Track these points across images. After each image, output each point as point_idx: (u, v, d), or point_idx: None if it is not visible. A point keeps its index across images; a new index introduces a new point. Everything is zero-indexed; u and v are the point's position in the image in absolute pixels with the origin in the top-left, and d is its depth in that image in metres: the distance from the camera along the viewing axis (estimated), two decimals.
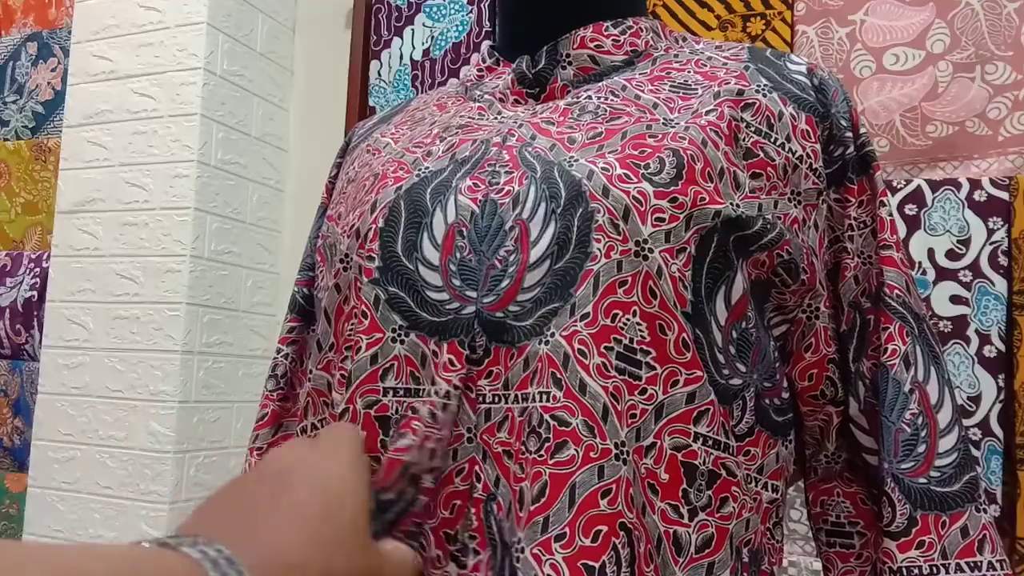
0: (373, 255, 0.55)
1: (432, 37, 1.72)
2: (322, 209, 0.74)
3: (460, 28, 1.70)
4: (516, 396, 0.50)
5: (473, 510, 0.49)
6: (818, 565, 1.34)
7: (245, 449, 1.71)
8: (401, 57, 1.75)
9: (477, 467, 0.50)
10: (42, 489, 1.65)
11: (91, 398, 1.63)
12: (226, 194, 1.69)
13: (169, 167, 1.63)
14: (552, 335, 0.49)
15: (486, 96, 0.64)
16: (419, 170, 0.58)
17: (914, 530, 0.55)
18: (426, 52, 1.73)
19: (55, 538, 1.62)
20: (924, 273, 1.28)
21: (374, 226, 0.56)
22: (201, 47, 1.63)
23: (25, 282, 1.90)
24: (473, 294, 0.51)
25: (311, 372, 0.62)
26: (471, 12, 1.69)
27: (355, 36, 1.79)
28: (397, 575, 0.41)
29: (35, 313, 1.86)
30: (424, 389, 0.52)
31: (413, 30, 1.74)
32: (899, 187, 1.31)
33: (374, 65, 1.77)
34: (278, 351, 0.71)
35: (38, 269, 1.89)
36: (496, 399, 0.50)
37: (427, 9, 1.73)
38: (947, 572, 0.54)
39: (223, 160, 1.68)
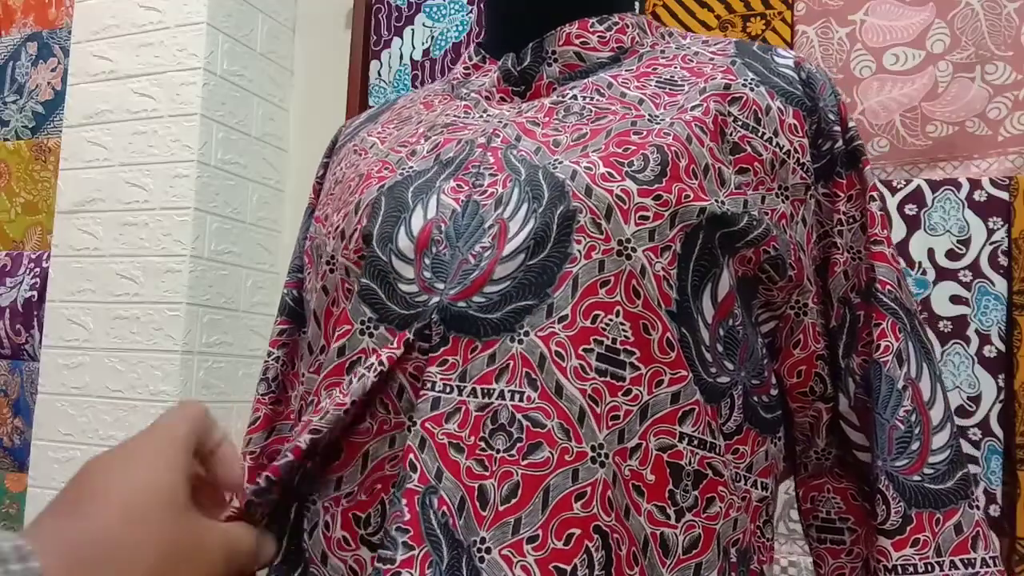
0: (356, 253, 0.55)
1: (432, 37, 1.72)
2: (310, 210, 0.73)
3: (460, 28, 1.70)
4: (474, 390, 0.48)
5: (404, 501, 0.47)
6: None
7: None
8: (401, 57, 1.75)
9: (412, 455, 0.48)
10: (42, 489, 1.65)
11: (91, 398, 1.63)
12: (226, 194, 1.69)
13: (169, 167, 1.63)
14: (526, 334, 0.48)
15: (472, 94, 0.63)
16: (403, 169, 0.58)
17: (909, 528, 0.55)
18: (426, 52, 1.73)
19: None
20: (924, 273, 1.28)
21: (358, 226, 0.55)
22: (201, 47, 1.63)
23: (25, 282, 1.90)
24: (441, 286, 0.50)
25: (303, 375, 0.62)
26: (471, 12, 1.69)
27: (355, 36, 1.79)
28: (229, 549, 0.44)
29: (35, 313, 1.86)
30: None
31: (413, 30, 1.74)
32: (899, 187, 1.31)
33: (374, 65, 1.77)
34: (269, 354, 0.71)
35: (38, 269, 1.89)
36: (448, 389, 0.48)
37: (427, 9, 1.73)
38: (942, 569, 0.54)
39: (223, 160, 1.68)
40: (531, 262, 0.50)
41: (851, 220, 0.60)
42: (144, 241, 1.63)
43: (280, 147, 1.86)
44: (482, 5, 0.68)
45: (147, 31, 1.68)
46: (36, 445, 1.68)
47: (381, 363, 0.49)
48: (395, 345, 0.50)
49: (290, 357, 0.71)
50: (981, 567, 0.55)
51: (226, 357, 1.68)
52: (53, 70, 2.00)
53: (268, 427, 0.70)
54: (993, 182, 1.26)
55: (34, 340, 1.86)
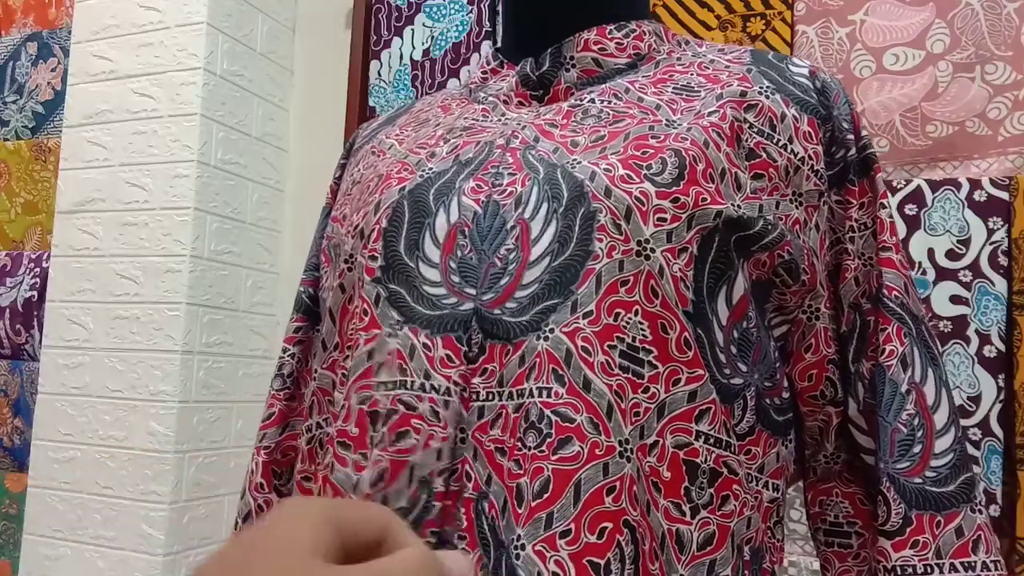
0: (376, 255, 0.55)
1: (432, 37, 1.72)
2: (326, 210, 0.74)
3: (460, 28, 1.70)
4: (511, 392, 0.49)
5: (463, 510, 0.48)
6: (818, 565, 1.34)
7: (246, 449, 1.71)
8: (401, 57, 1.75)
9: (467, 466, 0.49)
10: (42, 489, 1.65)
11: (91, 398, 1.63)
12: (226, 194, 1.69)
13: (169, 167, 1.63)
14: (551, 331, 0.49)
15: (490, 98, 0.64)
16: (423, 171, 0.58)
17: (908, 529, 0.55)
18: (426, 52, 1.73)
19: (55, 538, 1.62)
20: (924, 273, 1.28)
21: (377, 226, 0.56)
22: (201, 47, 1.63)
23: (25, 282, 1.90)
24: (472, 291, 0.51)
25: (316, 371, 0.62)
26: (471, 12, 1.69)
27: (355, 36, 1.79)
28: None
29: (35, 313, 1.86)
30: (411, 382, 0.51)
31: (413, 30, 1.74)
32: (899, 187, 1.31)
33: (374, 65, 1.77)
34: (284, 351, 0.72)
35: (38, 269, 1.89)
36: (490, 396, 0.49)
37: (427, 9, 1.73)
38: (941, 571, 0.55)
39: (223, 160, 1.68)
40: (555, 263, 0.51)
41: (863, 227, 0.61)
42: (144, 241, 1.63)
43: (280, 147, 1.86)
44: (499, 9, 0.69)
45: (147, 31, 1.68)
46: (36, 445, 1.67)
47: (456, 383, 0.50)
48: (457, 363, 0.50)
49: (305, 354, 0.72)
50: (982, 570, 0.55)
51: (226, 357, 1.68)
52: (53, 70, 2.00)
53: (282, 422, 0.71)
54: (993, 182, 1.26)
55: (34, 340, 1.86)
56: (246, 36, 1.75)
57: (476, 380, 0.50)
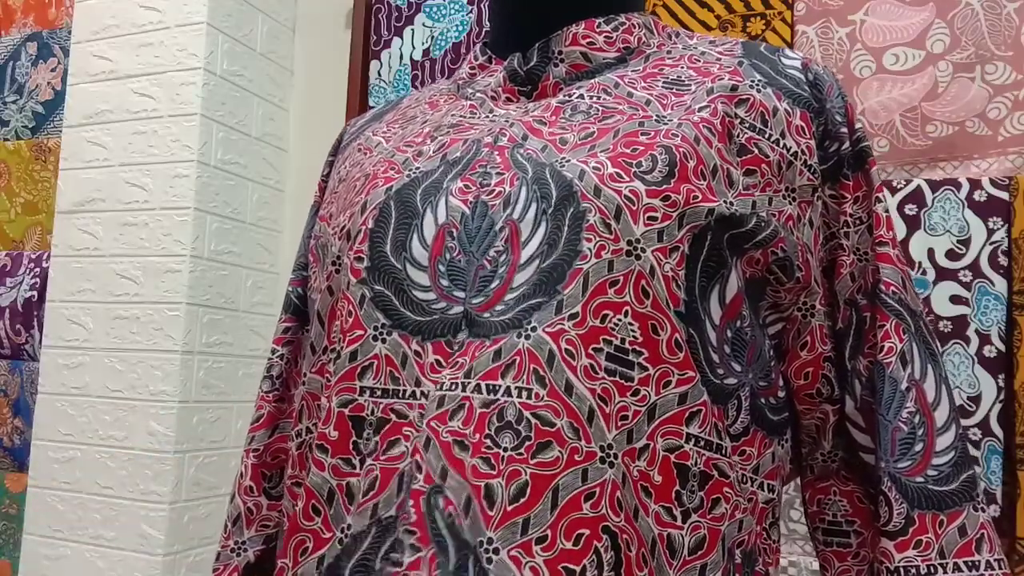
0: (362, 256, 0.54)
1: (432, 37, 1.72)
2: (315, 208, 0.73)
3: (460, 28, 1.70)
4: (479, 386, 0.48)
5: (411, 502, 0.47)
6: (818, 565, 1.34)
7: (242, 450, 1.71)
8: (401, 57, 1.75)
9: (418, 455, 0.48)
10: (42, 489, 1.65)
11: (91, 398, 1.63)
12: (226, 194, 1.69)
13: (169, 167, 1.63)
14: (533, 329, 0.48)
15: (478, 94, 0.63)
16: (409, 170, 0.57)
17: (911, 529, 0.54)
18: (426, 52, 1.73)
19: (55, 538, 1.62)
20: (924, 273, 1.28)
21: (364, 227, 0.55)
22: (201, 47, 1.63)
23: (25, 282, 1.90)
24: (461, 295, 0.50)
25: (305, 375, 0.61)
26: (471, 12, 1.69)
27: (355, 36, 1.79)
28: None
29: (35, 313, 1.86)
30: (403, 391, 0.50)
31: (413, 30, 1.74)
32: (899, 187, 1.31)
33: (374, 65, 1.77)
34: (273, 352, 0.71)
35: (38, 269, 1.89)
36: (453, 387, 0.48)
37: (427, 9, 1.73)
38: (945, 571, 0.54)
39: (223, 160, 1.68)
40: (544, 264, 0.50)
41: (857, 222, 0.60)
42: (144, 241, 1.63)
43: (280, 147, 1.86)
44: (487, 5, 0.68)
45: (147, 31, 1.68)
46: (36, 445, 1.67)
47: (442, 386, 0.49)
48: (446, 367, 0.50)
49: (294, 355, 0.71)
50: (985, 569, 0.54)
51: (226, 357, 1.68)
52: (53, 70, 2.00)
53: (272, 425, 0.71)
54: (993, 182, 1.26)
55: (34, 340, 1.86)
56: (246, 36, 1.75)
57: (446, 372, 0.49)
